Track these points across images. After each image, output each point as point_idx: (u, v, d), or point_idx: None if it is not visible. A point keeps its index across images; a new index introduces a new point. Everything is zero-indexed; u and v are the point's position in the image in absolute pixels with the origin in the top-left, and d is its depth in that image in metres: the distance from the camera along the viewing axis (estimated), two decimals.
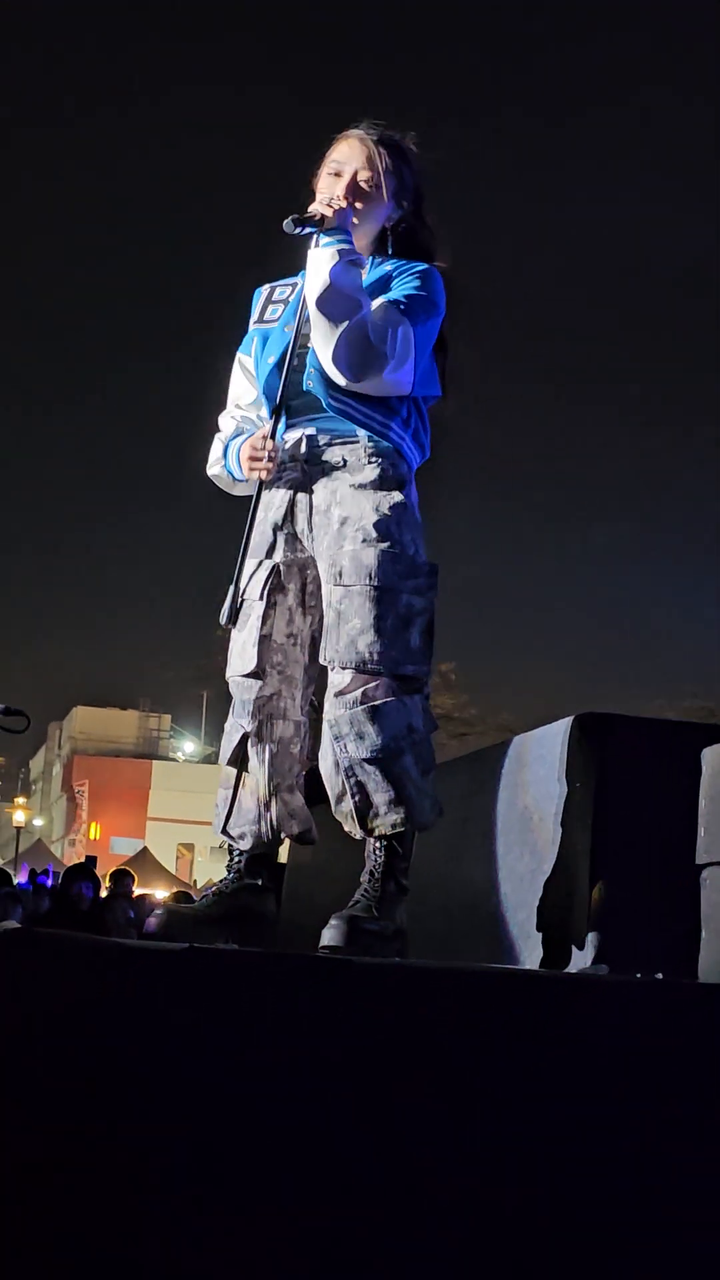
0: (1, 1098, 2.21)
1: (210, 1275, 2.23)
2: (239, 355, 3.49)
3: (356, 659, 3.08)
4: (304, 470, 3.25)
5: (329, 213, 3.22)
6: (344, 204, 3.25)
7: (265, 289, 3.49)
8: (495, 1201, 2.36)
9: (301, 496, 3.24)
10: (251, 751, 3.26)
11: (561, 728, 3.25)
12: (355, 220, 3.27)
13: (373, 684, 3.08)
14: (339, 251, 3.18)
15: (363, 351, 3.13)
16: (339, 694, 3.10)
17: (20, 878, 18.42)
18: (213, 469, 3.50)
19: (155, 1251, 2.21)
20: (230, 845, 3.33)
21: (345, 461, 3.21)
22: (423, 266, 3.31)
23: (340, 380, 3.16)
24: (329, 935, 2.96)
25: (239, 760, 3.28)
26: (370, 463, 3.20)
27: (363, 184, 3.30)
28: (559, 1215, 2.38)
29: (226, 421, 3.49)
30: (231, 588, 3.20)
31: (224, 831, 3.32)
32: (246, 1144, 2.28)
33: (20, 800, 49.61)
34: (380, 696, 3.08)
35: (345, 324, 3.12)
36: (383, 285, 3.28)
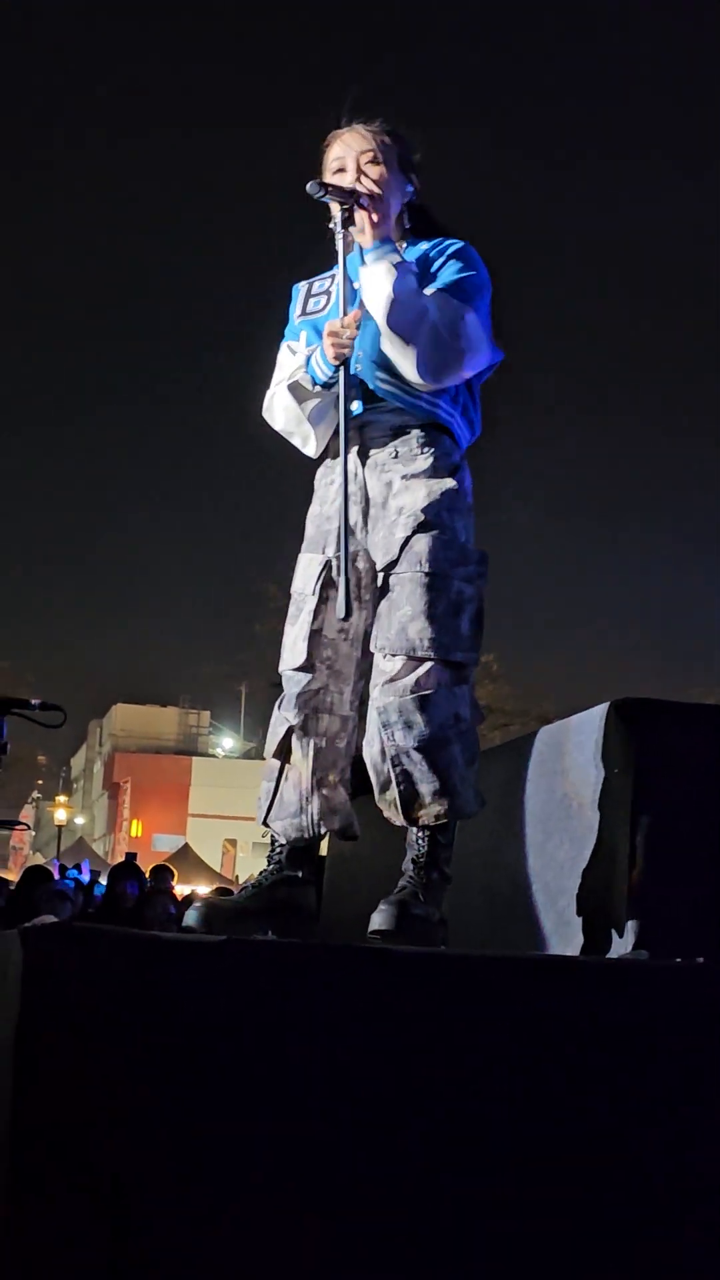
0: (40, 1089, 2.21)
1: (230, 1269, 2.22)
2: (287, 342, 3.46)
3: (406, 645, 3.09)
4: (358, 462, 3.24)
5: (361, 189, 3.23)
6: (376, 189, 3.24)
7: (303, 285, 3.48)
8: (544, 1195, 2.35)
9: (355, 489, 3.22)
10: (296, 745, 3.25)
11: (600, 713, 3.23)
12: (382, 207, 3.24)
13: (422, 671, 3.08)
14: (393, 265, 3.17)
15: (442, 354, 3.16)
16: (389, 681, 3.10)
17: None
18: (280, 409, 3.39)
19: (181, 1244, 2.21)
20: (272, 837, 3.32)
21: (398, 453, 3.22)
22: (458, 244, 3.32)
23: (424, 383, 3.17)
24: (379, 920, 2.96)
25: (284, 753, 3.27)
26: (422, 452, 3.21)
27: (368, 168, 3.29)
28: (602, 1205, 2.37)
29: (278, 386, 3.40)
30: (343, 581, 3.09)
31: (265, 822, 3.31)
32: (288, 1135, 2.27)
33: (61, 798, 49.84)
34: (429, 685, 3.07)
35: (420, 333, 3.14)
36: (423, 266, 3.26)
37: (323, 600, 3.23)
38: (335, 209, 3.25)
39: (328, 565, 3.25)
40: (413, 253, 3.31)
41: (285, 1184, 2.25)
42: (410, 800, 3.08)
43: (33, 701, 4.30)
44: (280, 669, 3.30)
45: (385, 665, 3.12)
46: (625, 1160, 2.40)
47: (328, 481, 3.34)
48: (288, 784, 3.27)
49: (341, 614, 3.08)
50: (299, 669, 3.24)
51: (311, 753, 3.24)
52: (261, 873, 3.32)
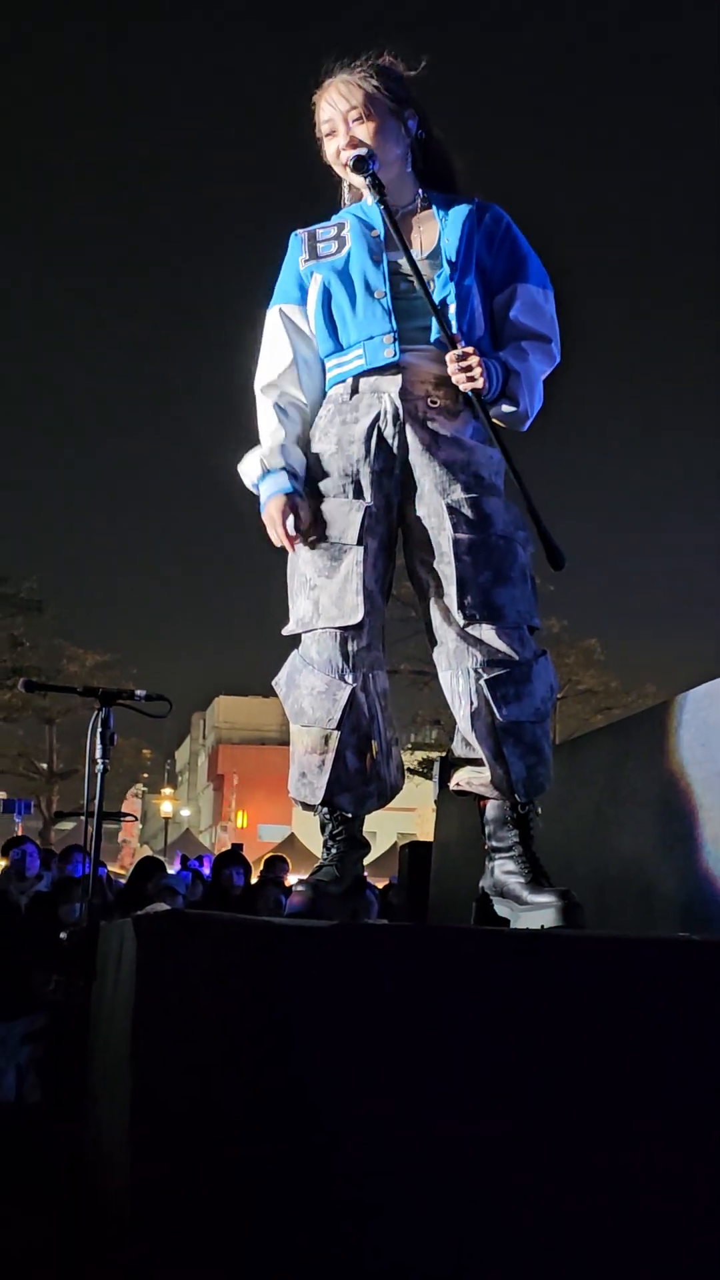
0: (156, 1074, 2.23)
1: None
2: (281, 308, 3.31)
3: (493, 612, 3.02)
4: (396, 406, 3.12)
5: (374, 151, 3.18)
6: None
7: (303, 232, 3.34)
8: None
9: (392, 431, 3.12)
10: (362, 708, 3.08)
11: (707, 691, 3.20)
12: (379, 162, 3.18)
13: (517, 640, 3.03)
14: (510, 407, 3.15)
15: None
16: (487, 651, 3.02)
17: (174, 866, 18.66)
18: (245, 473, 3.27)
19: (295, 1229, 2.22)
20: (334, 813, 3.11)
21: (441, 403, 3.13)
22: (506, 217, 3.27)
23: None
24: (551, 916, 2.89)
25: (343, 721, 3.06)
26: (465, 409, 3.13)
27: (357, 129, 3.21)
28: None
29: (270, 415, 3.25)
30: (539, 534, 2.96)
31: (327, 800, 3.09)
32: (403, 1116, 2.28)
33: (167, 791, 50.35)
34: (528, 655, 3.03)
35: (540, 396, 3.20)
36: (466, 230, 3.20)
37: (366, 550, 3.09)
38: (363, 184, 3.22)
39: (367, 512, 3.10)
40: (455, 214, 3.23)
41: (399, 1163, 2.25)
42: (520, 775, 3.02)
43: (138, 693, 4.34)
44: (320, 625, 3.09)
45: (474, 634, 3.03)
46: None
47: (344, 420, 3.17)
48: (350, 753, 3.07)
49: (557, 566, 2.95)
50: (355, 626, 3.07)
51: (381, 714, 3.12)
52: (334, 850, 3.12)
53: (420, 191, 3.30)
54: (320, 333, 3.26)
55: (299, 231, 3.36)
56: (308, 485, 3.19)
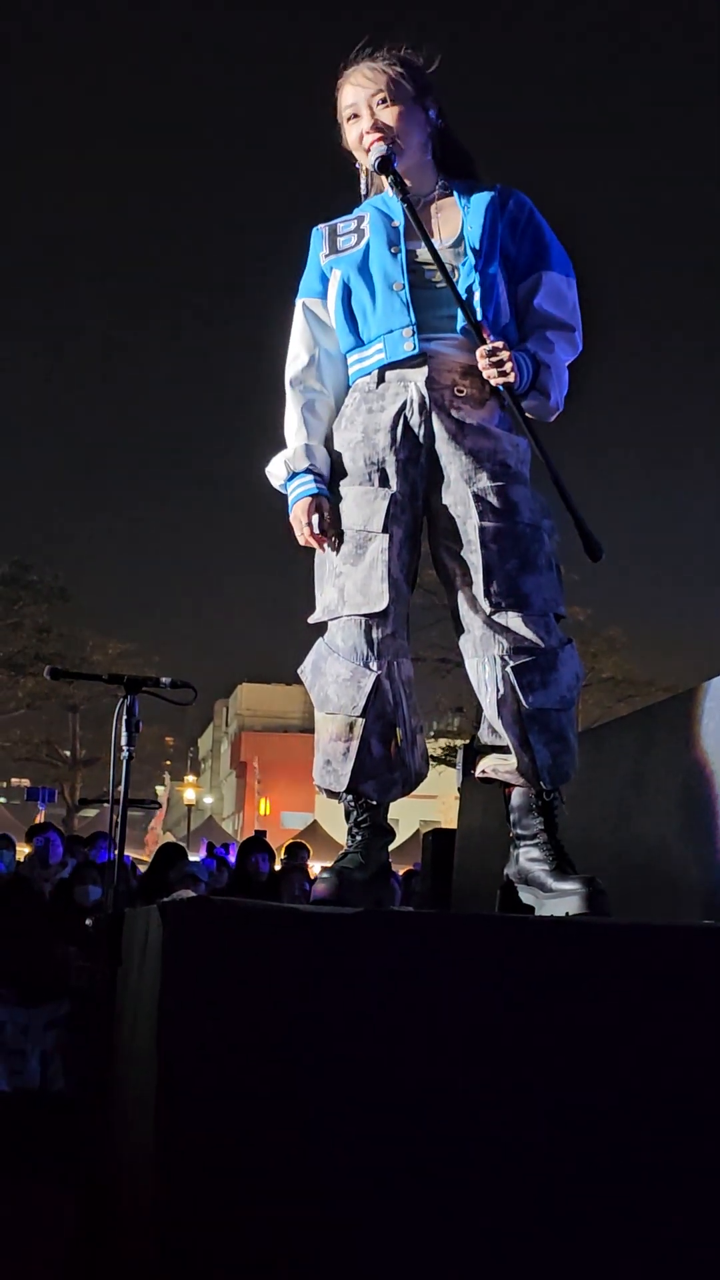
0: (182, 1059, 2.24)
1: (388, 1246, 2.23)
2: (305, 301, 3.34)
3: (519, 599, 3.02)
4: (422, 394, 3.12)
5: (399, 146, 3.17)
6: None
7: (324, 227, 3.35)
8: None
9: (418, 420, 3.12)
10: (386, 695, 3.08)
11: None
12: (401, 146, 3.19)
13: (543, 628, 3.02)
14: (540, 399, 3.14)
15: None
16: (513, 638, 3.02)
17: (198, 853, 18.67)
18: (272, 475, 3.29)
19: (331, 1215, 2.23)
20: (359, 801, 3.12)
21: (467, 391, 3.12)
22: (527, 209, 3.25)
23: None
24: (576, 904, 2.90)
25: (368, 708, 3.06)
26: (491, 398, 3.13)
27: (381, 112, 3.21)
28: None
29: (295, 416, 3.27)
30: (576, 525, 2.94)
31: (351, 788, 3.09)
32: (429, 1102, 2.28)
33: (190, 778, 50.45)
34: (553, 645, 3.03)
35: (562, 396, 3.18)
36: (489, 217, 3.19)
37: (391, 538, 3.09)
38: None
39: (393, 500, 3.10)
40: (478, 202, 3.22)
41: (420, 1146, 2.26)
42: (545, 762, 3.03)
43: (163, 680, 4.34)
44: (345, 613, 3.10)
45: (501, 621, 3.03)
46: None
47: (370, 409, 3.18)
48: (375, 741, 3.08)
49: (595, 558, 2.92)
50: (380, 614, 3.07)
51: (405, 701, 3.11)
52: (358, 838, 3.12)
53: (441, 180, 3.29)
54: (341, 328, 3.26)
55: (320, 226, 3.36)
56: (332, 474, 3.20)
